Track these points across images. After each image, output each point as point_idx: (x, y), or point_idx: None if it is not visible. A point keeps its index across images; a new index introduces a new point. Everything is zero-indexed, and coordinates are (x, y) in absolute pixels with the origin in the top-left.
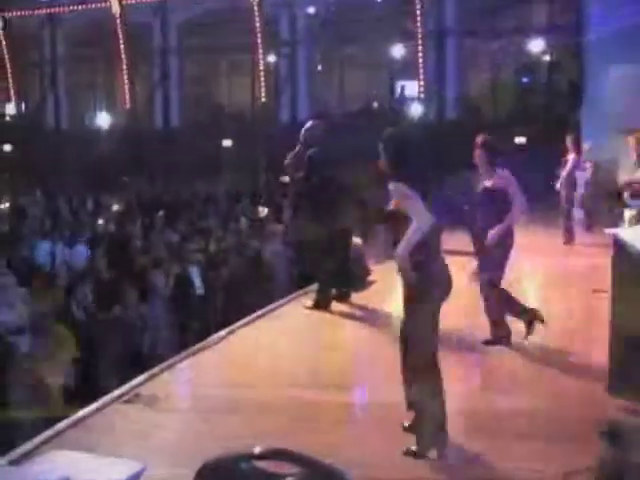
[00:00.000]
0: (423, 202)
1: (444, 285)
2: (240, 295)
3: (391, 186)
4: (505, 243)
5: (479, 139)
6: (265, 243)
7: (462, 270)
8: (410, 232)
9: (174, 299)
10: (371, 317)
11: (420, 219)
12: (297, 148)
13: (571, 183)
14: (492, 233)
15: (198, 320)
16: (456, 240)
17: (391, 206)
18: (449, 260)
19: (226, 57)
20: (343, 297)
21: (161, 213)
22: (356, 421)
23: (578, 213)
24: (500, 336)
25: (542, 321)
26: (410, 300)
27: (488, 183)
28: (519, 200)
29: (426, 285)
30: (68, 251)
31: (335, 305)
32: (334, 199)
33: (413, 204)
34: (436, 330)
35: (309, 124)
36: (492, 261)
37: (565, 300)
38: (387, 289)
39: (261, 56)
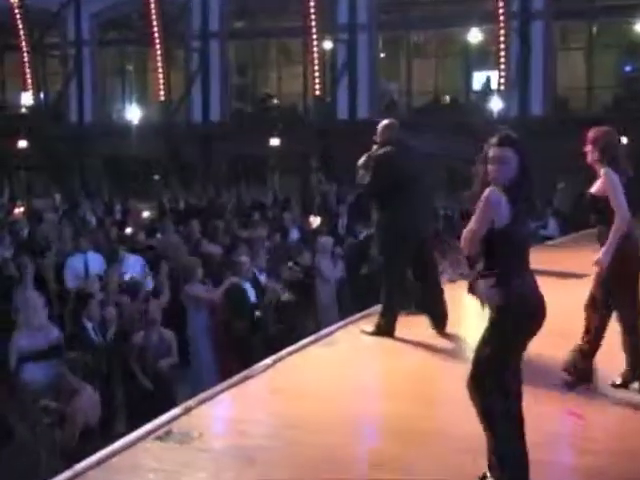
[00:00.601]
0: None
1: (537, 310)
2: (290, 317)
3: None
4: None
5: (591, 133)
6: (316, 258)
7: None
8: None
9: (224, 318)
10: (441, 345)
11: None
12: (373, 149)
13: None
14: (603, 252)
15: (249, 347)
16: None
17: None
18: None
19: (275, 42)
20: (436, 320)
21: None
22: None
23: None
24: (586, 374)
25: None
26: (495, 328)
27: (593, 188)
28: (619, 209)
29: (517, 308)
30: (98, 265)
31: (399, 330)
32: (407, 206)
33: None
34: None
35: (384, 122)
36: (600, 282)
37: None
38: (461, 312)
39: (315, 42)
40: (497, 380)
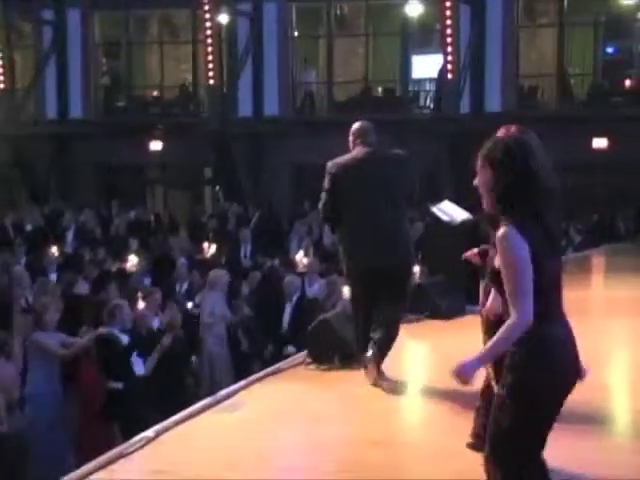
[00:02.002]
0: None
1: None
2: (176, 374)
3: None
4: None
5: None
6: (204, 296)
7: None
8: None
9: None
10: (379, 407)
11: None
12: None
13: None
14: None
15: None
16: None
17: None
18: None
19: (156, 13)
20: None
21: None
22: None
23: None
24: None
25: None
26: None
27: None
28: None
29: (539, 367)
30: None
31: (320, 391)
32: (362, 229)
33: None
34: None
35: (356, 125)
36: None
37: None
38: (409, 360)
39: (208, 14)
40: (523, 462)
